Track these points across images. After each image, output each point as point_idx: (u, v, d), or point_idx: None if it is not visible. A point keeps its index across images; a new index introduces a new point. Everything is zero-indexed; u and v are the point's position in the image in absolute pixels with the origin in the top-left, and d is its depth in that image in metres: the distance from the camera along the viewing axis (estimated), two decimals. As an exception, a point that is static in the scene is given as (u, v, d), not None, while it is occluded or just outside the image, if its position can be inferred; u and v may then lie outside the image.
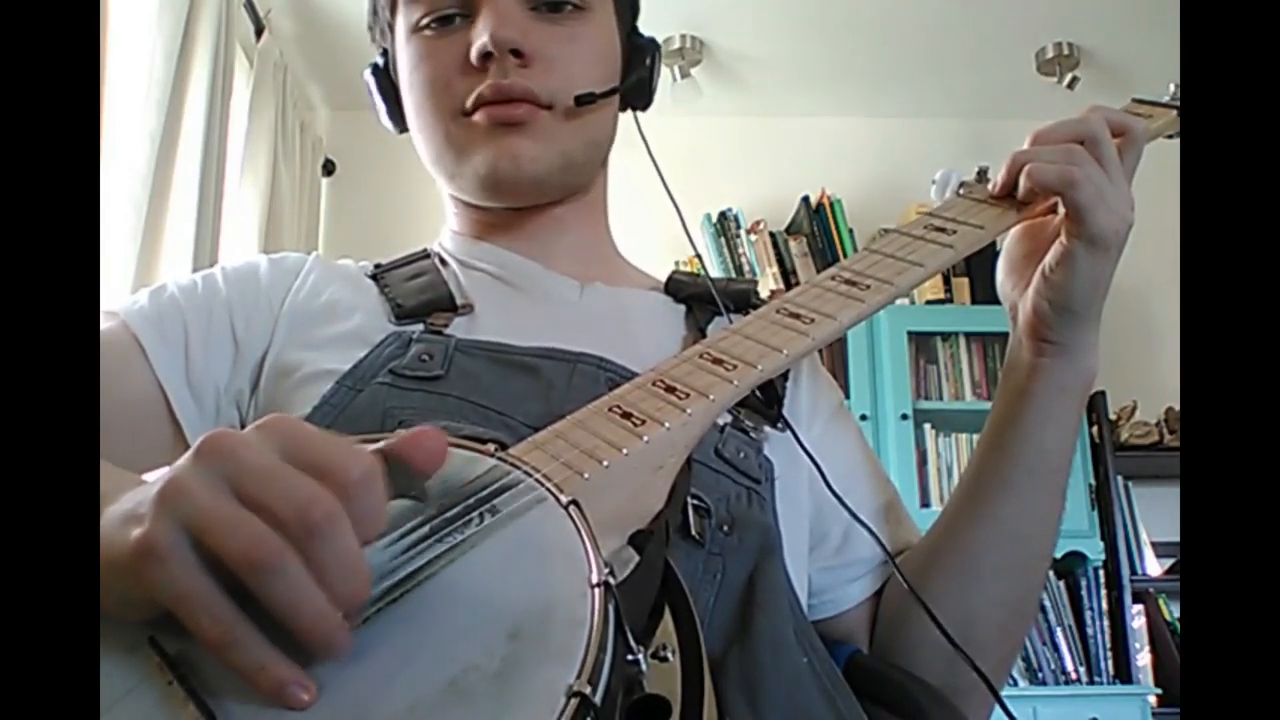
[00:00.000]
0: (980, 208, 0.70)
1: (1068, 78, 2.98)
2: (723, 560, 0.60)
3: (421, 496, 0.44)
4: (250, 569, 0.36)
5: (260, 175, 2.56)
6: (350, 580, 0.38)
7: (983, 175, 0.73)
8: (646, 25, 0.85)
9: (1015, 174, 0.66)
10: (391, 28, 0.81)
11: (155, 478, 0.40)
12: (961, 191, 0.72)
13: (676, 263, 2.46)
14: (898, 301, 2.87)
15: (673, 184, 0.83)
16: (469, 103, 0.74)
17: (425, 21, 0.77)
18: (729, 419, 0.69)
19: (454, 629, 0.40)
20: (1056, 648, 2.61)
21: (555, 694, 0.36)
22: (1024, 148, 0.67)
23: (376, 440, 0.43)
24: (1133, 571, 2.70)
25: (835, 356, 2.72)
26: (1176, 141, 0.72)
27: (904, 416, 2.67)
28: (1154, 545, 2.80)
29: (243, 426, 0.70)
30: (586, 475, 0.49)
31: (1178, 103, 0.75)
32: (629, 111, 0.85)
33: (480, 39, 0.73)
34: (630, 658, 0.39)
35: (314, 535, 0.37)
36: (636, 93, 0.83)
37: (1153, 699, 2.55)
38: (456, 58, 0.75)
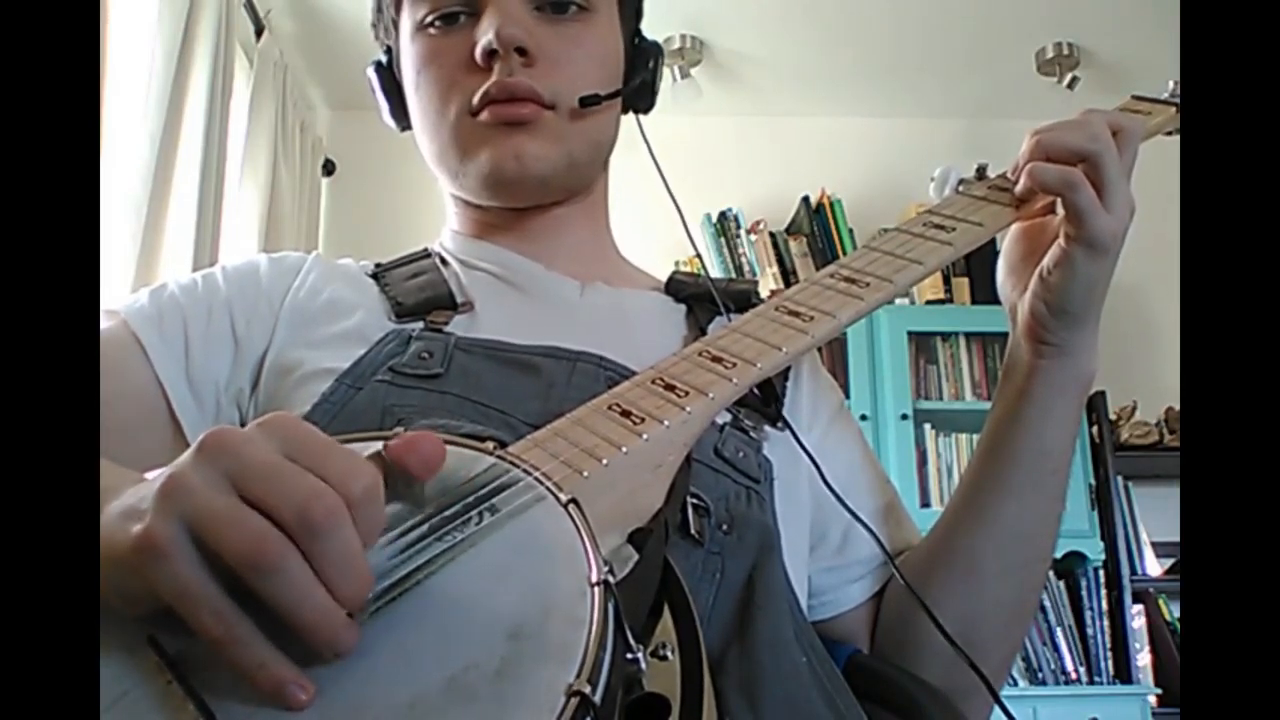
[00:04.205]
0: (979, 205, 0.70)
1: (1068, 78, 2.98)
2: (722, 559, 0.60)
3: (418, 502, 0.44)
4: (252, 568, 0.36)
5: (260, 175, 2.56)
6: (353, 577, 0.38)
7: (982, 173, 0.73)
8: (646, 25, 0.85)
9: (1039, 155, 0.66)
10: (396, 25, 0.81)
11: (156, 475, 0.40)
12: (960, 189, 0.72)
13: (677, 263, 2.46)
14: (898, 301, 2.89)
15: (673, 184, 0.83)
16: (475, 100, 0.74)
17: (430, 19, 0.77)
18: (728, 418, 0.68)
19: (453, 628, 0.40)
20: (1056, 648, 2.60)
21: (555, 693, 0.36)
22: (1038, 134, 0.67)
23: (376, 437, 0.43)
24: (1133, 571, 2.70)
25: (835, 356, 2.72)
26: (1177, 141, 0.72)
27: (904, 416, 2.67)
28: (1154, 545, 2.79)
29: (243, 425, 0.70)
30: (586, 474, 0.49)
31: (1177, 99, 0.76)
32: (630, 113, 0.85)
33: (485, 37, 0.73)
34: (630, 656, 0.39)
35: (316, 533, 0.37)
36: (639, 96, 0.83)
37: (1153, 699, 2.55)
38: (462, 56, 0.75)
